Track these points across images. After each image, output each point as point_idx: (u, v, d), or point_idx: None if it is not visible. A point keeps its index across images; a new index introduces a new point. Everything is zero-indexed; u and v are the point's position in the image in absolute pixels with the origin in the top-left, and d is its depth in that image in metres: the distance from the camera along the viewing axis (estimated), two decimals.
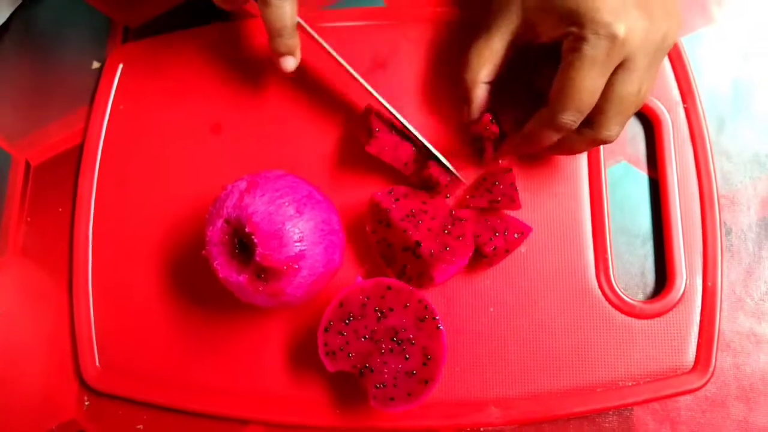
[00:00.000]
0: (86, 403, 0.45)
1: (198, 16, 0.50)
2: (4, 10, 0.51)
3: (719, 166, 0.44)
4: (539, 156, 0.44)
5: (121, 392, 0.44)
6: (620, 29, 0.34)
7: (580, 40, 0.35)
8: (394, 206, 0.40)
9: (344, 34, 0.47)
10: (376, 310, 0.38)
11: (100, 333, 0.45)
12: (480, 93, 0.41)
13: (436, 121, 0.45)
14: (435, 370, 0.37)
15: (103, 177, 0.47)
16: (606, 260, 0.42)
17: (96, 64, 0.50)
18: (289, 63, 0.41)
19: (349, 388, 0.42)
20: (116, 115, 0.48)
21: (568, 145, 0.40)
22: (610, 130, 0.37)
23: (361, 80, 0.42)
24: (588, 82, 0.35)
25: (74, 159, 0.48)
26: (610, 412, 0.42)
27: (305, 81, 0.47)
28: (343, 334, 0.38)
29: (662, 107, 0.44)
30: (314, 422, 0.42)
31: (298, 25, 0.40)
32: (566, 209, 0.43)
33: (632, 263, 0.43)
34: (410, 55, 0.46)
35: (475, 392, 0.41)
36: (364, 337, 0.38)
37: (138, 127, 0.48)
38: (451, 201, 0.44)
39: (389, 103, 0.42)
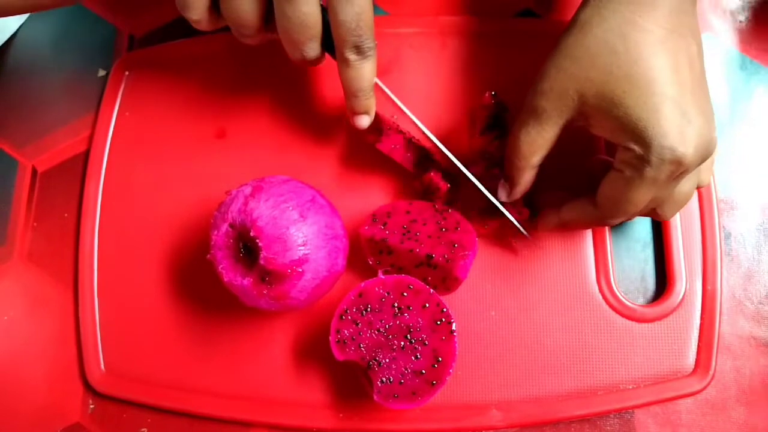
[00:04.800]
0: (91, 407, 0.45)
1: None
2: (13, 22, 0.51)
3: (718, 171, 0.45)
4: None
5: (125, 395, 0.44)
6: (686, 152, 0.32)
7: (641, 160, 0.33)
8: (387, 232, 0.41)
9: None
10: (394, 306, 0.38)
11: (105, 337, 0.45)
12: (528, 177, 0.39)
13: (438, 131, 0.45)
14: (443, 372, 0.37)
15: (109, 183, 0.48)
16: (606, 264, 0.43)
17: (102, 72, 0.51)
18: (364, 121, 0.41)
19: (353, 391, 0.42)
20: (122, 122, 0.49)
21: (577, 220, 0.39)
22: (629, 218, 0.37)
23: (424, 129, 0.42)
24: (644, 198, 0.34)
25: (80, 165, 0.49)
26: (611, 415, 0.42)
27: (309, 86, 0.47)
28: (357, 324, 0.38)
29: None
30: (318, 425, 0.42)
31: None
32: None
33: (632, 267, 0.44)
34: (413, 64, 0.47)
35: (477, 395, 0.42)
36: (378, 330, 0.38)
37: (143, 134, 0.48)
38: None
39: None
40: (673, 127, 0.32)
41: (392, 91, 0.42)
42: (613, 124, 0.33)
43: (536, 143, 0.37)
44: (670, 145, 0.32)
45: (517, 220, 0.42)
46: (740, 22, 0.47)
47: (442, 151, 0.42)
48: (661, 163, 0.32)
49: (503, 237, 0.43)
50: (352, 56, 0.37)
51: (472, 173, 0.41)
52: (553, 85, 0.35)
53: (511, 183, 0.39)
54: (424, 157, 0.43)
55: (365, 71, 0.38)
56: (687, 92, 0.33)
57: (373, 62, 0.38)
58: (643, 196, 0.34)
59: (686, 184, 0.35)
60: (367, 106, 0.40)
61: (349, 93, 0.39)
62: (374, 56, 0.38)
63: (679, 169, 0.33)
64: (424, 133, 0.42)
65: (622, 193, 0.34)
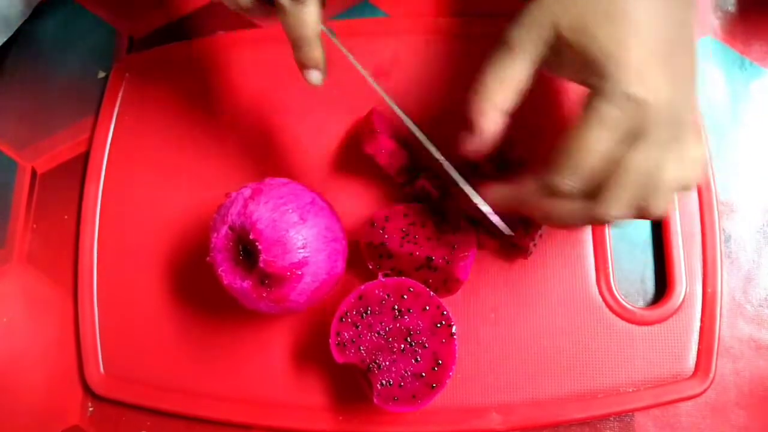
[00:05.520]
0: (90, 409, 0.45)
1: (202, 26, 0.51)
2: (12, 23, 0.51)
3: (718, 174, 0.44)
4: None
5: (125, 398, 0.44)
6: (644, 92, 0.29)
7: (598, 94, 0.30)
8: (386, 237, 0.41)
9: (348, 44, 0.48)
10: (394, 309, 0.38)
11: (104, 339, 0.45)
12: (493, 122, 0.33)
13: (438, 132, 0.45)
14: (443, 375, 0.37)
15: (109, 185, 0.48)
16: (606, 267, 0.43)
17: (101, 74, 0.51)
18: (312, 76, 0.37)
19: (353, 394, 0.42)
20: (121, 124, 0.49)
21: (560, 216, 0.33)
22: (610, 207, 0.31)
23: (392, 103, 0.40)
24: (594, 144, 0.30)
25: (80, 167, 0.49)
26: (611, 418, 0.42)
27: (309, 89, 0.47)
28: (357, 327, 0.38)
29: None
30: (317, 428, 0.42)
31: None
32: None
33: (632, 270, 0.44)
34: (413, 66, 0.47)
35: (477, 398, 0.42)
36: (378, 333, 0.38)
37: (143, 136, 0.48)
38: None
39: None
40: (638, 65, 0.30)
41: (391, 93, 0.41)
42: (581, 59, 0.31)
43: (505, 77, 0.33)
44: (628, 78, 0.29)
45: (510, 237, 0.41)
46: (732, 14, 0.47)
47: (431, 153, 0.40)
48: (615, 96, 0.29)
49: (503, 242, 0.43)
50: (285, 0, 0.34)
51: (461, 173, 0.40)
52: (529, 17, 0.33)
53: (474, 129, 0.34)
54: (412, 164, 0.43)
55: (305, 17, 0.35)
56: (662, 46, 0.31)
57: (314, 7, 0.35)
58: (594, 141, 0.30)
59: (640, 159, 0.30)
60: (313, 59, 0.36)
61: (292, 43, 0.36)
62: (315, 1, 0.35)
63: (635, 112, 0.30)
64: (415, 132, 0.41)
65: (573, 136, 0.30)
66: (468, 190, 0.39)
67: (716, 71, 0.47)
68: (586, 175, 0.31)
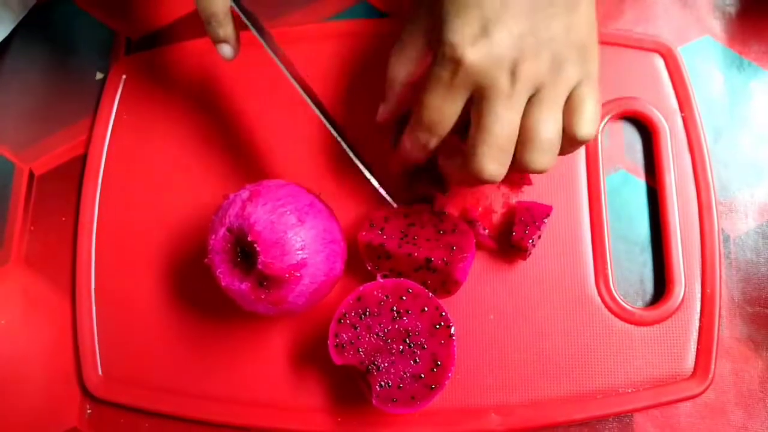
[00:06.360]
0: (88, 412, 0.45)
1: (200, 27, 0.51)
2: (8, 23, 0.51)
3: (717, 174, 0.45)
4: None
5: (123, 400, 0.44)
6: (464, 53, 0.31)
7: (434, 56, 0.33)
8: (385, 237, 0.41)
9: (346, 44, 0.48)
10: (392, 310, 0.38)
11: (102, 341, 0.45)
12: (395, 93, 0.39)
13: None
14: (442, 376, 0.37)
15: (106, 186, 0.48)
16: (605, 268, 0.43)
17: (99, 75, 0.51)
18: (224, 50, 0.39)
19: (351, 396, 0.42)
20: (119, 126, 0.49)
21: (448, 173, 0.38)
22: (479, 163, 0.34)
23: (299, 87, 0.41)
24: (433, 102, 0.34)
25: (78, 169, 0.49)
26: (610, 419, 0.42)
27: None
28: (355, 328, 0.38)
29: (660, 116, 0.45)
30: (315, 429, 0.42)
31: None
32: (565, 217, 0.44)
33: (631, 271, 0.44)
34: None
35: (475, 399, 0.42)
36: (377, 335, 0.38)
37: (141, 137, 0.48)
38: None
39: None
40: (466, 29, 0.32)
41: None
42: (438, 28, 0.33)
43: (402, 55, 0.37)
44: (450, 41, 0.32)
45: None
46: (730, 14, 0.47)
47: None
48: (442, 59, 0.32)
49: (502, 242, 0.43)
50: None
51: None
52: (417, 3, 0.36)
53: (383, 100, 0.40)
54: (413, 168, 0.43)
55: None
56: (510, 14, 0.32)
57: None
58: (431, 100, 0.34)
59: (489, 115, 0.33)
60: (224, 35, 0.38)
61: (203, 20, 0.37)
62: None
63: (459, 72, 0.32)
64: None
65: (419, 96, 0.34)
66: (360, 165, 0.41)
67: (715, 72, 0.47)
68: (437, 131, 0.35)
